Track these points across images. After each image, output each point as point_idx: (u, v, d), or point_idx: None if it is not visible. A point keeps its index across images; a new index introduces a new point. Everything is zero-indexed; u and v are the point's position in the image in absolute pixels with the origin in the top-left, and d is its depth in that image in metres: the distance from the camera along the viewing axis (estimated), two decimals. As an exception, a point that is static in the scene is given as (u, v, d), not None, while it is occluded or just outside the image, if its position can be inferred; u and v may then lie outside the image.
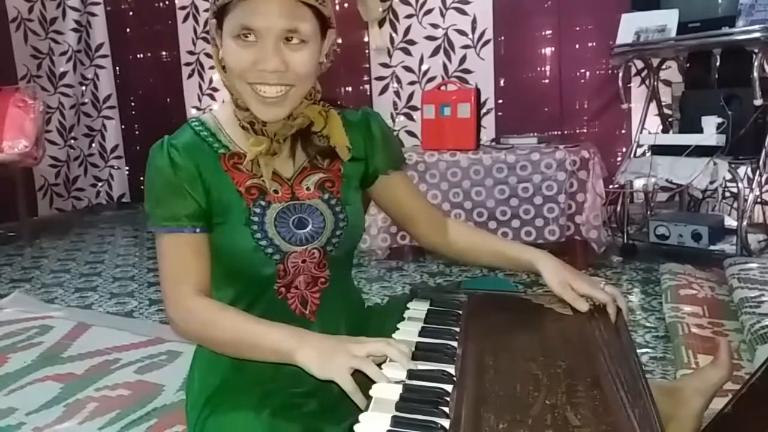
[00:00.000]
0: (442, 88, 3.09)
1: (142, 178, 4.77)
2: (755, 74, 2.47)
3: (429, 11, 3.62)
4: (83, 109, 4.78)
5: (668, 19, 2.69)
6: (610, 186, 2.95)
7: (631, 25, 2.81)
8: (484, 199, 2.82)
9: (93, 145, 4.87)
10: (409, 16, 3.68)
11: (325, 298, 1.11)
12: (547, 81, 3.55)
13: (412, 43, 3.71)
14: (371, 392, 0.85)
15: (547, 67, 3.54)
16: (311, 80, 1.03)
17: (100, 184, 4.90)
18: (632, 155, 2.95)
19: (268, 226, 1.04)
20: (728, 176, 2.58)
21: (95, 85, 4.80)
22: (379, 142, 1.16)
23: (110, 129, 4.85)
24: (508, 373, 0.89)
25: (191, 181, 1.01)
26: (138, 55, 4.80)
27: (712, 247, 2.64)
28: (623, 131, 3.44)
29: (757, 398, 0.97)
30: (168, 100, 4.71)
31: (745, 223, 2.53)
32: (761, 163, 2.50)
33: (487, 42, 3.57)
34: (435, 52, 3.65)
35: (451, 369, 0.90)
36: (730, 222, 2.86)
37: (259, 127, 1.02)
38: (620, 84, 2.96)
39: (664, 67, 3.08)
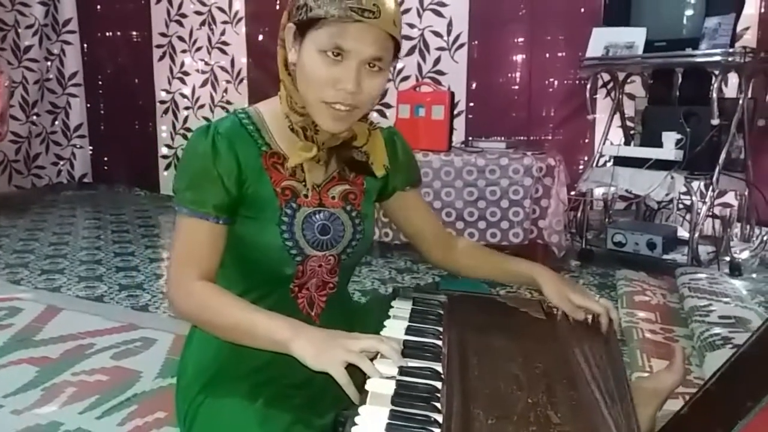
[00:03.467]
0: (418, 89, 3.15)
1: (106, 159, 4.69)
2: (714, 95, 2.61)
3: (406, 11, 3.68)
4: (47, 85, 4.68)
5: (637, 36, 2.81)
6: (572, 193, 3.07)
7: (601, 40, 2.93)
8: (453, 199, 2.90)
9: (56, 122, 4.77)
10: (386, 15, 3.72)
11: (329, 302, 1.17)
12: (516, 87, 3.65)
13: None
14: (367, 386, 0.90)
15: (518, 74, 3.65)
16: (375, 103, 1.08)
17: (61, 162, 4.81)
18: (595, 165, 3.07)
19: (296, 228, 1.09)
20: (683, 190, 2.72)
21: (61, 61, 4.70)
22: (403, 161, 1.24)
23: (75, 107, 4.76)
24: (492, 373, 0.96)
25: (228, 172, 1.04)
26: (107, 33, 4.71)
27: (665, 256, 2.78)
28: (586, 140, 3.57)
29: (712, 401, 1.07)
30: (136, 81, 4.65)
31: (696, 235, 2.68)
32: (714, 179, 2.64)
33: (461, 45, 3.65)
34: (410, 52, 3.71)
35: (438, 367, 0.97)
36: (683, 233, 3.02)
37: (311, 134, 1.07)
38: (588, 95, 3.09)
39: (628, 81, 3.22)
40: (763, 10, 3.04)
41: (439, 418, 0.83)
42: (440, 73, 3.68)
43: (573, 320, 1.18)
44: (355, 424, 0.82)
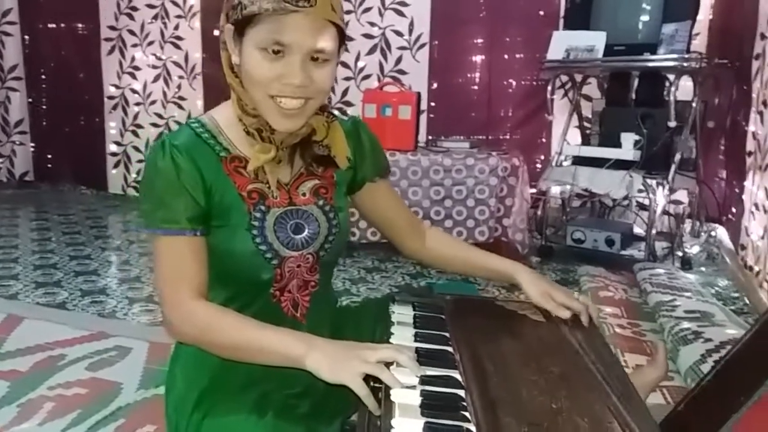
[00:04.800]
0: (384, 89, 3.15)
1: (50, 156, 4.49)
2: (672, 98, 2.72)
3: (367, 9, 3.67)
4: (-16, 79, 4.44)
5: (597, 40, 2.90)
6: (532, 191, 3.15)
7: (561, 43, 3.00)
8: (420, 198, 2.93)
9: (-6, 118, 4.53)
10: (347, 12, 3.71)
11: (314, 301, 1.14)
12: (476, 87, 3.70)
13: (349, 39, 3.73)
14: (392, 397, 0.89)
15: (477, 75, 3.70)
16: (328, 94, 1.06)
17: (0, 160, 4.56)
18: (555, 164, 3.15)
19: (267, 231, 1.06)
20: (641, 188, 2.83)
21: (0, 53, 4.45)
22: (368, 150, 1.20)
23: (15, 102, 4.54)
24: (510, 379, 0.97)
25: (193, 184, 1.01)
26: (50, 25, 4.49)
27: (622, 252, 2.89)
28: (543, 140, 3.66)
29: (707, 397, 1.12)
30: (82, 75, 4.45)
31: (654, 231, 2.80)
32: (670, 178, 2.76)
33: (423, 45, 3.67)
34: (372, 51, 3.70)
35: (456, 374, 0.97)
36: (638, 230, 3.14)
37: (267, 135, 1.04)
38: (548, 96, 3.16)
39: (586, 83, 3.31)
40: (711, 17, 3.19)
41: (473, 427, 0.84)
42: (402, 72, 3.69)
43: (569, 321, 1.19)
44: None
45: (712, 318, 1.94)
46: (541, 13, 3.52)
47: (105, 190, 4.49)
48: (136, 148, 4.40)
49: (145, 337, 1.94)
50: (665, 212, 2.99)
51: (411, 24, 3.66)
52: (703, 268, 2.88)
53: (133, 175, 4.45)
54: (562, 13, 3.43)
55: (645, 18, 2.87)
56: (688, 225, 3.14)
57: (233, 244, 1.05)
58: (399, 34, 3.68)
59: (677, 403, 1.16)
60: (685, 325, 1.87)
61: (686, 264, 2.85)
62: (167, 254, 1.03)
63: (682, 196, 3.10)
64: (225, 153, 1.05)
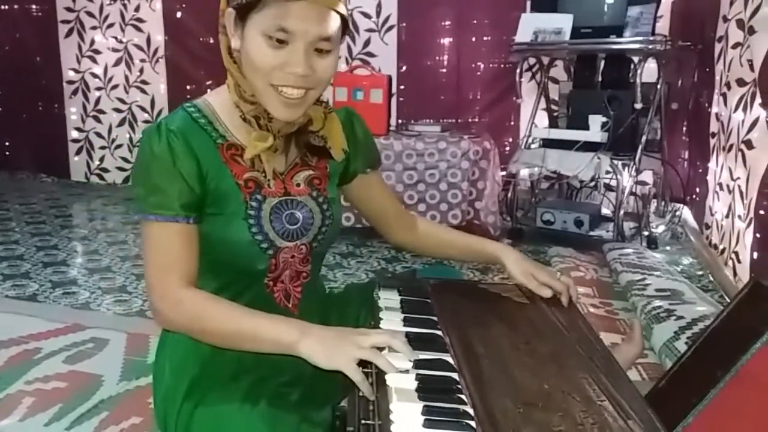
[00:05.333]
0: (355, 72, 3.13)
1: (7, 143, 4.34)
2: (638, 80, 2.77)
3: (334, -9, 3.63)
4: (-66, 64, 4.25)
5: (564, 22, 2.93)
6: (502, 174, 3.18)
7: (529, 25, 3.03)
8: (393, 183, 2.93)
9: (-55, 104, 4.35)
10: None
11: (305, 291, 1.14)
12: (444, 70, 3.71)
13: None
14: (388, 382, 0.91)
15: (446, 57, 3.70)
16: (328, 84, 1.05)
17: (-45, 148, 4.41)
18: (524, 147, 3.19)
19: (264, 221, 1.05)
20: (608, 170, 2.89)
21: (-51, 36, 4.27)
22: (361, 142, 1.20)
23: (-33, 87, 4.36)
24: (501, 361, 0.99)
25: (189, 170, 0.99)
26: (2, 6, 4.32)
27: (591, 233, 2.95)
28: (511, 123, 3.70)
29: (687, 373, 1.16)
30: (38, 59, 4.30)
31: (621, 212, 2.86)
32: (637, 159, 2.82)
33: (391, 27, 3.65)
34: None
35: (447, 358, 0.98)
36: (605, 210, 3.21)
37: (264, 123, 1.02)
38: (518, 79, 3.19)
39: (552, 65, 3.35)
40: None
41: (469, 409, 0.85)
42: (370, 54, 3.68)
43: (547, 302, 1.21)
44: (391, 422, 0.82)
45: (682, 296, 2.01)
46: (508, -5, 3.53)
47: (67, 177, 4.38)
48: (99, 134, 4.29)
49: (122, 328, 1.91)
50: (632, 193, 3.06)
51: (379, 5, 3.64)
52: (668, 247, 2.97)
53: (96, 162, 4.35)
54: (529, -5, 3.45)
55: (610, 0, 2.91)
56: (653, 205, 3.22)
57: (229, 233, 1.04)
58: (367, 15, 3.66)
59: (658, 380, 1.21)
60: (657, 303, 1.93)
61: (652, 243, 2.93)
62: (158, 241, 1.01)
63: (647, 176, 3.17)
64: (221, 140, 1.04)
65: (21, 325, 1.92)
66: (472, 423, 0.82)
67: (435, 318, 1.12)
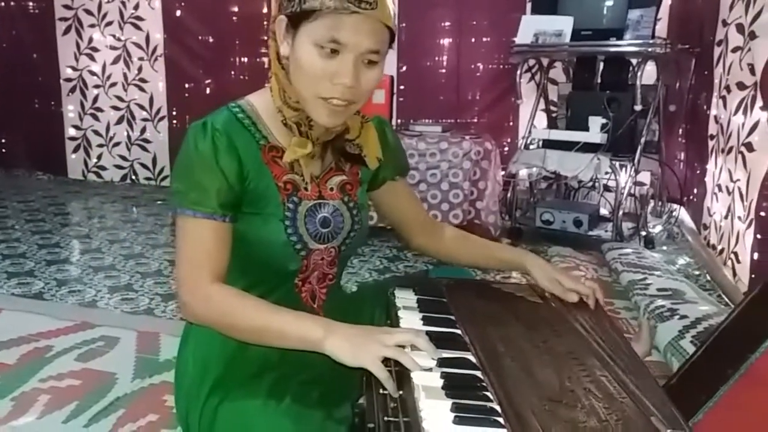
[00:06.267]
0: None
1: (3, 140, 4.32)
2: (638, 82, 2.81)
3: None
4: (-70, 60, 4.22)
5: (564, 24, 2.96)
6: (502, 174, 3.21)
7: (530, 27, 3.05)
8: (395, 183, 2.94)
9: (-58, 100, 4.32)
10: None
11: (330, 293, 1.17)
12: (444, 71, 3.74)
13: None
14: (414, 380, 0.92)
15: (445, 58, 3.73)
16: (370, 96, 1.07)
17: (-49, 145, 4.38)
18: (523, 147, 3.22)
19: (299, 223, 1.08)
20: (608, 171, 2.92)
21: (-54, 33, 4.24)
22: (392, 150, 1.23)
23: (-37, 84, 4.34)
24: (522, 359, 1.01)
25: (230, 168, 1.01)
26: (-1, 3, 4.30)
27: (590, 233, 2.98)
28: (510, 123, 3.73)
29: (698, 371, 1.19)
30: (35, 56, 4.29)
31: (621, 212, 2.90)
32: (636, 160, 2.86)
33: (391, 28, 3.66)
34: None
35: (470, 356, 1.00)
36: (604, 210, 3.24)
37: (305, 129, 1.05)
38: (518, 81, 3.22)
39: (552, 66, 3.38)
40: (671, 2, 3.29)
41: (496, 406, 0.87)
42: (371, 55, 3.68)
43: (564, 301, 1.24)
44: (421, 419, 0.84)
45: (683, 295, 2.04)
46: (508, -4, 3.56)
47: (64, 175, 4.36)
48: (97, 132, 4.28)
49: (131, 326, 1.92)
50: (630, 193, 3.10)
51: (380, 6, 3.64)
52: (665, 247, 3.00)
53: (94, 160, 4.33)
54: (528, -4, 3.48)
55: (610, 3, 2.94)
56: (650, 205, 3.26)
57: (266, 233, 1.06)
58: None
59: (669, 378, 1.24)
60: (660, 302, 1.96)
61: (649, 243, 2.97)
62: (193, 236, 1.03)
63: (645, 177, 3.21)
64: (264, 141, 1.06)
65: (30, 323, 1.93)
66: (501, 420, 0.84)
67: (453, 317, 1.14)
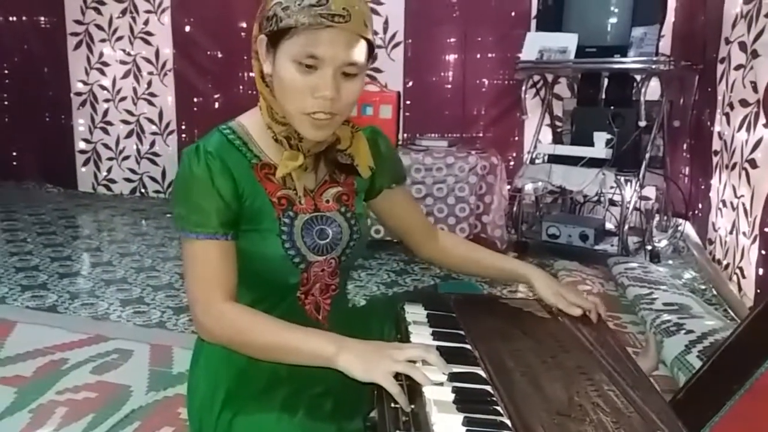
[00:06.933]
0: (365, 88, 3.19)
1: (15, 154, 4.37)
2: (642, 98, 2.85)
3: (343, 8, 3.69)
4: (-57, 74, 4.29)
5: (569, 41, 3.00)
6: (507, 188, 3.24)
7: (535, 44, 3.10)
8: (402, 197, 2.98)
9: (-46, 114, 4.39)
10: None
11: (334, 304, 1.20)
12: (450, 86, 3.78)
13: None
14: (426, 394, 0.95)
15: (451, 73, 3.77)
16: (354, 107, 1.10)
17: (-38, 158, 4.44)
18: (529, 162, 3.25)
19: (296, 237, 1.10)
20: (613, 186, 2.95)
21: (-41, 47, 4.32)
22: (386, 158, 1.25)
23: (-25, 98, 4.40)
24: (531, 374, 1.03)
25: (226, 188, 1.05)
26: (11, 18, 4.37)
27: (596, 247, 3.01)
28: (516, 138, 3.76)
29: (704, 386, 1.22)
30: (46, 70, 4.35)
31: (626, 227, 2.92)
32: (641, 175, 2.89)
33: (398, 44, 3.72)
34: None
35: (479, 371, 1.03)
36: (609, 225, 3.27)
37: (295, 143, 1.08)
38: (523, 96, 3.25)
39: (556, 82, 3.43)
40: (674, 20, 3.33)
41: (507, 420, 0.90)
42: (377, 70, 3.74)
43: (570, 317, 1.25)
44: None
45: (690, 310, 2.06)
46: (513, 13, 3.61)
47: (74, 188, 4.41)
48: (106, 146, 4.33)
49: (144, 339, 1.95)
50: (635, 208, 3.12)
51: (386, 22, 3.71)
52: (670, 261, 3.02)
53: (104, 173, 4.38)
54: (533, 13, 3.53)
55: (614, 20, 2.99)
56: (656, 220, 3.28)
57: (263, 248, 1.09)
58: (374, 32, 3.71)
59: (676, 392, 1.26)
60: (666, 317, 1.98)
61: (655, 257, 2.99)
62: (200, 257, 1.06)
63: (650, 192, 3.24)
64: (255, 160, 1.09)
65: (45, 335, 1.96)
66: (510, 434, 0.87)
67: (462, 332, 1.16)
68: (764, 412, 1.13)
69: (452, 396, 0.94)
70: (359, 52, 1.01)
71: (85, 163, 4.40)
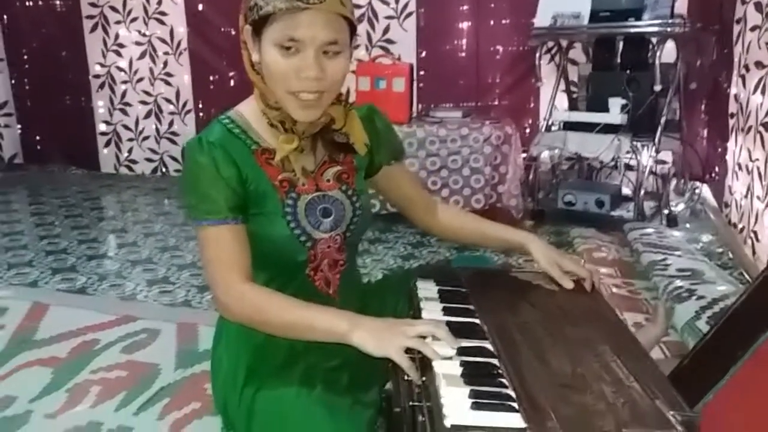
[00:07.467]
0: (377, 61, 3.20)
1: (38, 137, 4.45)
2: (657, 61, 2.81)
3: (354, -21, 3.67)
4: (-36, 61, 4.37)
5: (582, 6, 2.96)
6: (523, 156, 3.25)
7: (548, 9, 3.06)
8: (417, 169, 3.01)
9: (-22, 100, 4.48)
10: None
11: (343, 278, 1.25)
12: (464, 55, 3.75)
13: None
14: (435, 368, 1.00)
15: (464, 42, 3.75)
16: (342, 84, 1.14)
17: (-12, 143, 4.54)
18: (544, 129, 3.24)
19: (300, 216, 1.17)
20: (628, 151, 2.94)
21: (-22, 34, 4.39)
22: (384, 135, 1.30)
23: (-2, 83, 4.48)
24: (537, 347, 1.07)
25: (231, 176, 1.11)
26: (27, 3, 4.41)
27: (612, 213, 3.01)
28: (531, 105, 3.74)
29: (709, 352, 1.25)
30: (64, 53, 4.41)
31: (642, 192, 2.92)
32: (657, 140, 2.87)
33: (410, 14, 3.70)
34: (359, 21, 3.72)
35: (487, 345, 1.07)
36: (626, 190, 3.26)
37: (289, 126, 1.14)
38: (537, 62, 3.23)
39: (571, 47, 3.39)
40: (689, -21, 3.26)
41: (511, 392, 0.94)
42: (390, 41, 3.73)
43: (574, 287, 1.27)
44: (442, 405, 0.91)
45: (702, 276, 2.08)
46: (526, -22, 3.55)
47: (97, 169, 4.50)
48: (126, 127, 4.40)
49: (171, 319, 2.03)
50: (651, 172, 3.11)
51: (398, -8, 3.68)
52: (687, 225, 3.01)
53: (125, 154, 4.46)
54: (546, -23, 3.46)
55: (628, -18, 2.93)
56: (672, 184, 3.27)
57: (270, 230, 1.15)
58: (385, 2, 3.70)
59: (682, 359, 1.29)
60: (678, 283, 2.00)
61: (672, 221, 2.99)
62: (215, 242, 1.12)
63: (666, 156, 3.22)
64: (255, 146, 1.15)
65: (77, 317, 2.04)
66: (515, 405, 0.91)
67: (472, 307, 1.20)
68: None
69: (460, 369, 0.99)
70: (338, 31, 1.05)
71: (107, 144, 4.48)
